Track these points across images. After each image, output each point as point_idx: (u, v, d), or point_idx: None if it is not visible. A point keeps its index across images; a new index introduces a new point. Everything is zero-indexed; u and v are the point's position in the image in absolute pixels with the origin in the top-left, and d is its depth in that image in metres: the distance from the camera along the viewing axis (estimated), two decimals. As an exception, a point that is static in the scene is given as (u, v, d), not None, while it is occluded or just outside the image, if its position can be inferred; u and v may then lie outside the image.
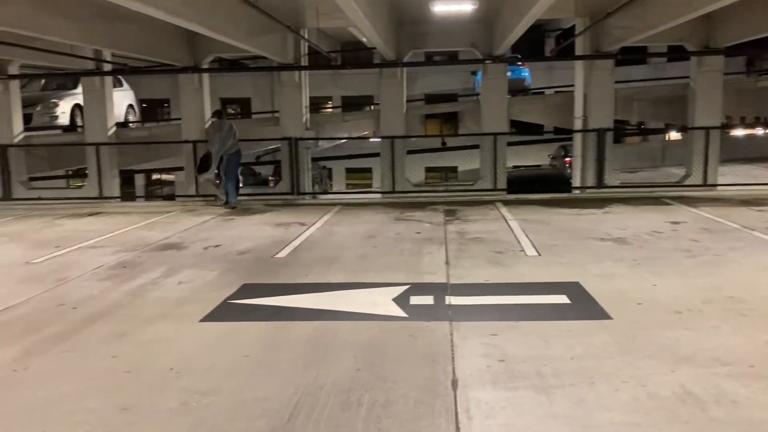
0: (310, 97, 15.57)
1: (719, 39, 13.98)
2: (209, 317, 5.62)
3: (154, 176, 30.63)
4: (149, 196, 29.08)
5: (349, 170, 31.19)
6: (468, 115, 23.43)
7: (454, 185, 18.82)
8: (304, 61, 15.04)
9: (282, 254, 8.16)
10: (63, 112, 17.16)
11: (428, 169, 27.80)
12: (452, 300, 5.89)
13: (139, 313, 5.79)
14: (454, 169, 29.03)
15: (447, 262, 7.41)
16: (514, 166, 21.40)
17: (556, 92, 27.24)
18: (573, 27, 16.92)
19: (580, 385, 4.00)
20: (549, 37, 32.23)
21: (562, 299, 5.88)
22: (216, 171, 12.96)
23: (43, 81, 18.36)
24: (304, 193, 14.58)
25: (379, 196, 15.34)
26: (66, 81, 17.79)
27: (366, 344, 4.82)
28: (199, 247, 8.77)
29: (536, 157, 25.00)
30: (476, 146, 15.58)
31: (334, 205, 12.86)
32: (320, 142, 24.03)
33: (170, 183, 29.66)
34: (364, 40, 18.51)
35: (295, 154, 14.33)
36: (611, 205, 11.56)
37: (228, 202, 12.73)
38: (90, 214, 12.28)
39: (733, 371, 4.15)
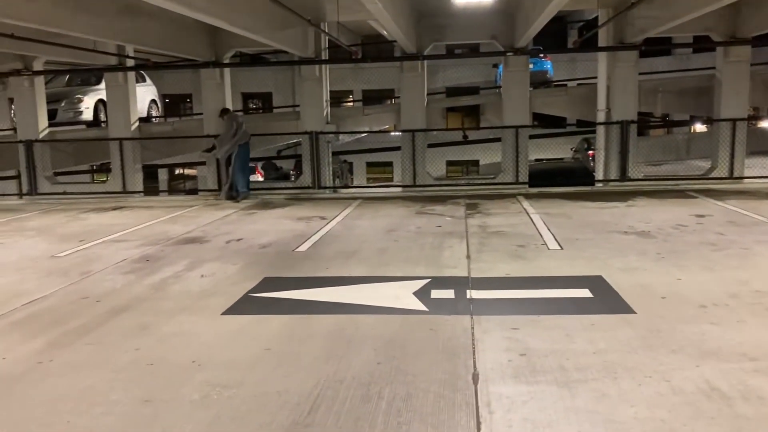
0: (331, 91, 15.60)
1: (746, 29, 13.70)
2: (231, 310, 5.65)
3: (177, 171, 30.97)
4: (172, 191, 29.41)
5: (369, 164, 31.26)
6: (489, 108, 23.29)
7: (476, 179, 18.69)
8: (325, 55, 15.04)
9: (303, 248, 8.18)
10: (87, 107, 17.38)
11: (449, 163, 27.76)
12: (473, 294, 5.86)
13: (161, 306, 5.84)
14: (475, 163, 28.94)
15: (468, 256, 7.38)
16: (536, 160, 21.23)
17: (579, 84, 26.90)
18: (596, 18, 16.69)
19: (603, 380, 3.95)
20: (572, 29, 31.84)
21: (585, 293, 5.82)
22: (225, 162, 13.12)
23: (67, 77, 18.63)
24: (325, 187, 14.62)
25: (399, 189, 15.32)
26: (89, 77, 18.01)
27: (386, 338, 4.80)
28: (221, 240, 8.83)
29: (559, 150, 24.77)
30: (498, 139, 15.48)
31: (355, 199, 12.88)
32: (341, 136, 24.12)
33: (193, 177, 29.96)
34: (385, 33, 18.42)
35: (316, 148, 14.37)
36: (635, 198, 11.42)
37: (238, 193, 12.88)
38: (114, 209, 12.43)
39: (760, 366, 4.07)
